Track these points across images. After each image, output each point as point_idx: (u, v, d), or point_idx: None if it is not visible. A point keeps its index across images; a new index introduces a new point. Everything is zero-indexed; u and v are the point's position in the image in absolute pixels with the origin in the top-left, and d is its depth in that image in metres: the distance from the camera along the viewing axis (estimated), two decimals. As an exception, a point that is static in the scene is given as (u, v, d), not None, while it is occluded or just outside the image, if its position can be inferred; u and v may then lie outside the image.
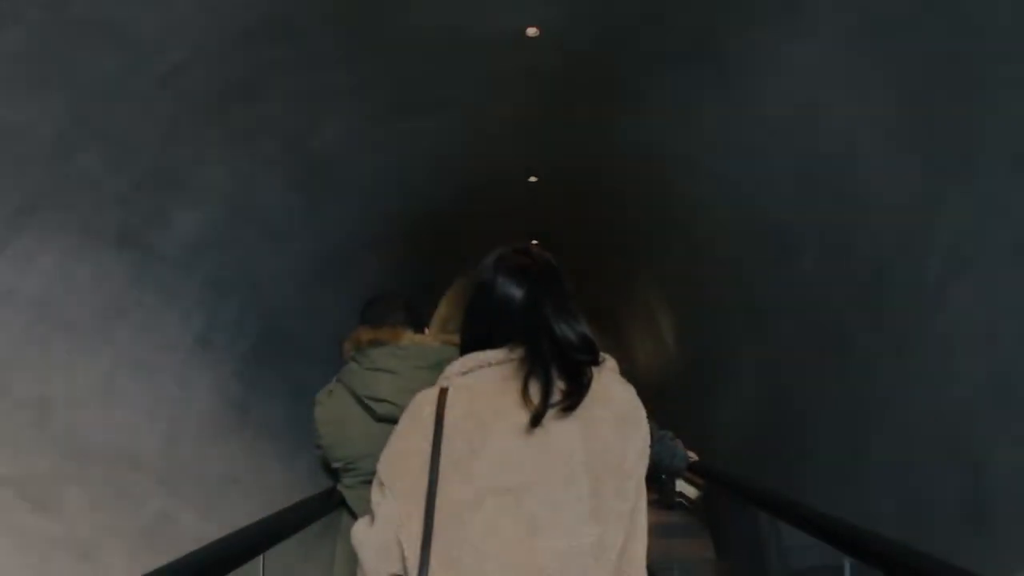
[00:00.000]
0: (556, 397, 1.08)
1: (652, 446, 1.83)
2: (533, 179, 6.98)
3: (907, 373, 3.17)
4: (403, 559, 1.04)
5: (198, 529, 4.44)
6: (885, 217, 3.33)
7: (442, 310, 2.20)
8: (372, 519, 1.09)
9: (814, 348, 4.44)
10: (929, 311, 2.98)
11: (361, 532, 1.10)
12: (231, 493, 5.23)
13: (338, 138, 4.77)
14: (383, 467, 1.11)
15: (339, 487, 2.09)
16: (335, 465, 2.07)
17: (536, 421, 1.06)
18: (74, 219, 3.95)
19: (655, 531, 1.14)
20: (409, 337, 2.03)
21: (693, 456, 2.52)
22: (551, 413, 1.07)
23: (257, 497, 5.53)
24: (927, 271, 3.00)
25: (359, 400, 1.98)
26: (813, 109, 3.71)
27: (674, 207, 6.24)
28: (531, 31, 4.21)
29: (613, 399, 1.12)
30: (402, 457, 1.09)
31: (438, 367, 1.21)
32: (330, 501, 2.12)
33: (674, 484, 9.09)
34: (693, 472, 2.86)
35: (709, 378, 7.39)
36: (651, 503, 1.21)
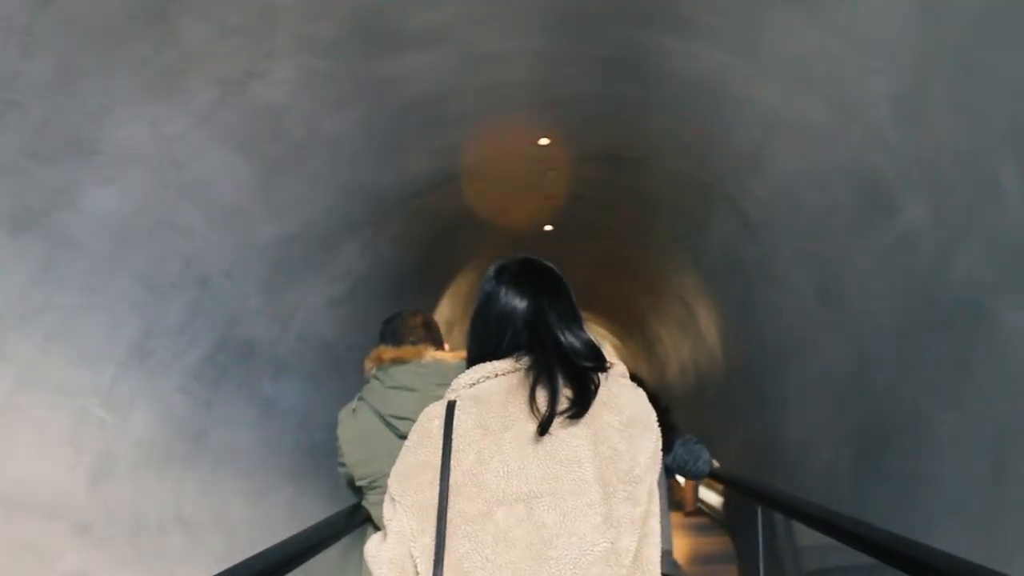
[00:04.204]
0: (563, 405, 1.18)
1: (675, 448, 2.70)
2: (545, 141, 6.21)
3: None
4: (416, 574, 1.13)
5: (123, 594, 3.75)
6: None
7: (446, 312, 2.23)
8: (385, 535, 1.19)
9: (927, 334, 3.63)
10: None
11: (374, 548, 1.19)
12: (176, 541, 4.52)
13: (291, 82, 4.02)
14: (394, 482, 1.21)
15: (364, 504, 2.25)
16: (360, 483, 2.22)
17: (544, 429, 1.16)
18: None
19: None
20: (431, 354, 2.21)
21: (715, 463, 2.70)
22: (559, 421, 1.17)
23: (214, 543, 4.85)
24: None
25: (382, 418, 2.15)
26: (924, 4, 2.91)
27: (724, 165, 5.43)
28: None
29: (622, 405, 1.21)
30: (412, 471, 1.19)
31: None
32: (355, 518, 2.25)
33: (696, 491, 9.96)
34: (715, 479, 3.13)
35: (770, 384, 6.55)
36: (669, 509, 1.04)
